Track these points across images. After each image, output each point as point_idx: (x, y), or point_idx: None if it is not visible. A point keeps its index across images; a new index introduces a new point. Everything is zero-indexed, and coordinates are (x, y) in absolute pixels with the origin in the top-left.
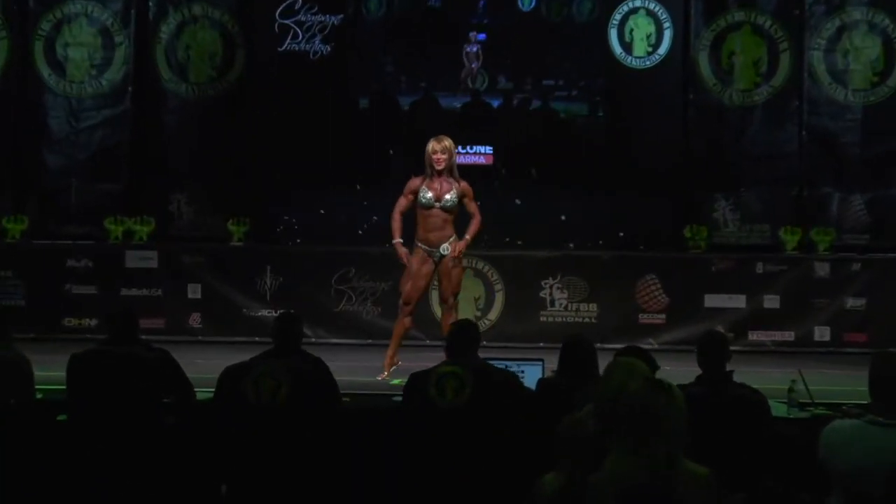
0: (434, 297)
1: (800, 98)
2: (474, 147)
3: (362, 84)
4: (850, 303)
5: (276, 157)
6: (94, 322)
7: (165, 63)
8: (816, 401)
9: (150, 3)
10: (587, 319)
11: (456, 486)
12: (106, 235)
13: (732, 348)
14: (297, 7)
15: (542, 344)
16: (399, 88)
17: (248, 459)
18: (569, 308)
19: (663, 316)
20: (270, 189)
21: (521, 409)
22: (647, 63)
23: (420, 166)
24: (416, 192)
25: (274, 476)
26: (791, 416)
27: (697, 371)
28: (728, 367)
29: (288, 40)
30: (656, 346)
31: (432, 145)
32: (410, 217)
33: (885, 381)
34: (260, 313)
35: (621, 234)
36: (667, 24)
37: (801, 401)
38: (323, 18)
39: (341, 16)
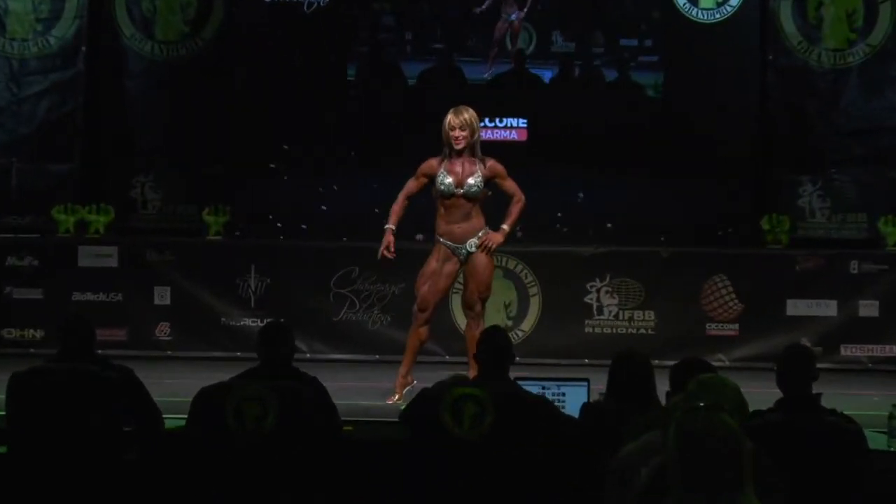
0: (456, 302)
1: None
2: (504, 119)
3: (361, 44)
4: None
5: (262, 132)
6: (39, 334)
7: (127, 16)
8: None
9: None
10: (642, 330)
11: None
12: (54, 227)
13: (820, 366)
14: None
15: (586, 361)
16: (404, 51)
17: (227, 501)
18: (620, 316)
19: (735, 326)
20: (256, 171)
21: (559, 441)
22: (717, 16)
23: (438, 144)
24: (430, 177)
25: None
26: (892, 450)
27: (777, 394)
28: (815, 390)
29: None
30: (727, 363)
31: (450, 119)
32: (427, 206)
33: None
34: (242, 322)
35: (682, 225)
36: None
37: None
38: None
39: None
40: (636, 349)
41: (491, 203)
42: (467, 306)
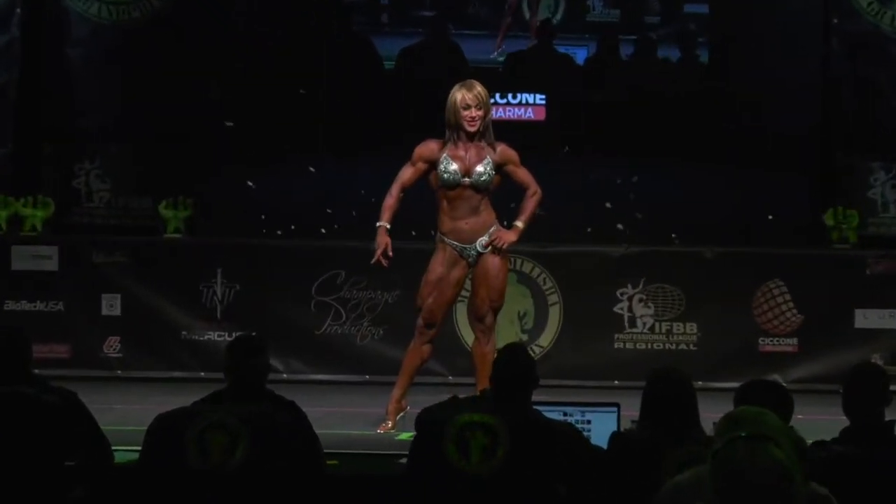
0: (462, 311)
1: None
2: (518, 95)
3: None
4: None
5: (230, 109)
6: None
7: None
8: None
9: None
10: (683, 346)
11: None
12: None
13: (895, 388)
14: None
15: (616, 382)
16: (378, 21)
17: None
18: (656, 329)
19: (794, 341)
20: (223, 157)
21: (586, 476)
22: None
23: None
24: (431, 162)
25: None
26: None
27: (843, 421)
28: (888, 416)
29: None
30: (784, 385)
31: (461, 96)
32: (425, 200)
33: None
34: (207, 337)
35: (730, 220)
36: None
37: None
38: None
39: None
40: (675, 368)
41: (500, 196)
42: (476, 317)
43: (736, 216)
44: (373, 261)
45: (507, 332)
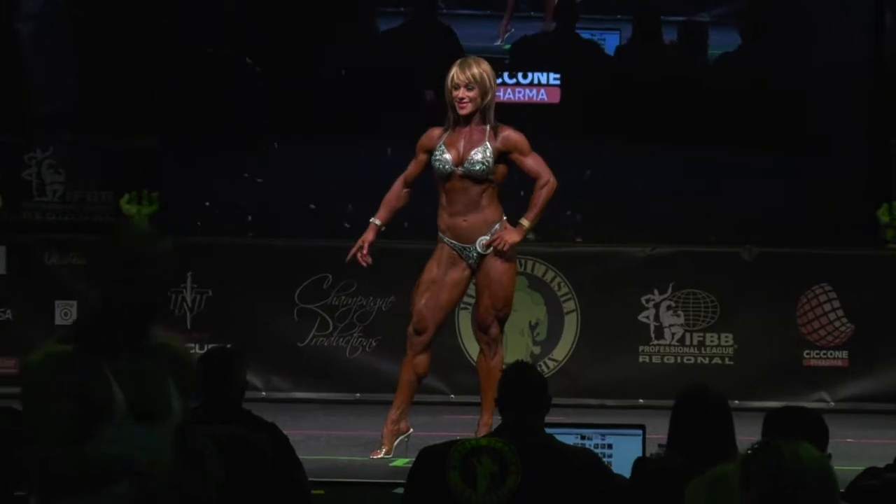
0: (466, 321)
1: None
2: (529, 75)
3: None
4: None
5: (202, 90)
6: None
7: None
8: None
9: None
10: (717, 360)
11: None
12: None
13: None
14: None
15: (641, 401)
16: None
17: None
18: (686, 341)
19: (844, 354)
20: (193, 145)
21: None
22: None
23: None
24: (431, 152)
25: None
26: None
27: None
28: None
29: None
30: (832, 405)
31: (454, 75)
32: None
33: None
34: None
35: (771, 217)
36: None
37: None
38: None
39: None
40: (708, 386)
41: (509, 188)
42: (480, 327)
43: (779, 212)
44: (347, 258)
45: (517, 344)
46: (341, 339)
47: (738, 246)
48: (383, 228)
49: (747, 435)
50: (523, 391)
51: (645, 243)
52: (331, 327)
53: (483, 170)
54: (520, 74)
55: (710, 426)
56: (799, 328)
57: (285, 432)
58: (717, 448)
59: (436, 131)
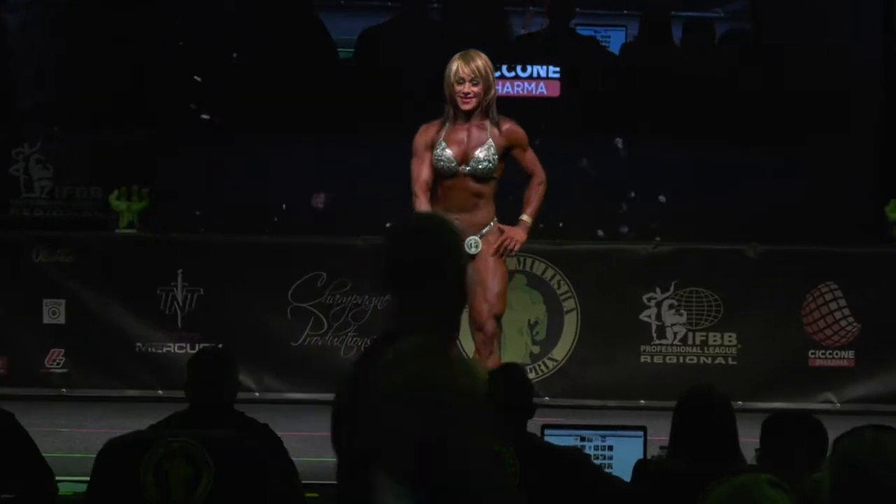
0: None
1: None
2: (529, 68)
3: None
4: None
5: (194, 84)
6: None
7: None
8: None
9: None
10: (720, 360)
11: None
12: None
13: None
14: None
15: (642, 402)
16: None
17: None
18: (689, 340)
19: (850, 354)
20: (185, 138)
21: None
22: None
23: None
24: (432, 148)
25: None
26: None
27: None
28: None
29: None
30: (838, 406)
31: (456, 67)
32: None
33: None
34: (166, 349)
35: (777, 213)
36: None
37: None
38: None
39: None
40: (711, 386)
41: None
42: (476, 326)
43: (784, 207)
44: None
45: (516, 343)
46: (336, 339)
47: (742, 243)
48: None
49: (750, 437)
50: (508, 396)
51: (647, 240)
52: (325, 326)
53: (489, 168)
54: (518, 68)
55: (714, 428)
56: (804, 327)
57: (278, 434)
58: (720, 450)
59: (431, 127)
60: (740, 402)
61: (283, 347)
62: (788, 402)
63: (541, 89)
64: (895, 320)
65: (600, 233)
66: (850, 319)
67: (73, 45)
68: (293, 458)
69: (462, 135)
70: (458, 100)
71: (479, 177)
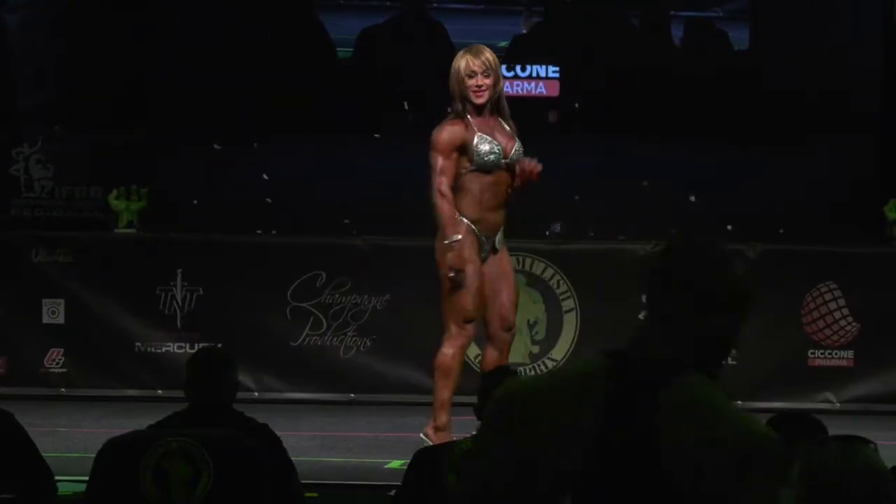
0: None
1: None
2: (528, 68)
3: None
4: None
5: (194, 82)
6: None
7: None
8: None
9: None
10: None
11: None
12: None
13: None
14: None
15: None
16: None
17: None
18: None
19: (849, 354)
20: (184, 139)
21: None
22: None
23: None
24: (462, 148)
25: None
26: None
27: None
28: None
29: None
30: (837, 406)
31: (466, 62)
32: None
33: None
34: (165, 349)
35: (776, 212)
36: None
37: None
38: None
39: None
40: None
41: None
42: (503, 326)
43: (784, 206)
44: (457, 277)
45: (516, 343)
46: (335, 339)
47: (741, 243)
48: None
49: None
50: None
51: (646, 240)
52: (324, 326)
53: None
54: (518, 67)
55: None
56: (804, 327)
57: (278, 434)
58: None
59: (456, 126)
60: (740, 402)
61: (282, 347)
62: (788, 402)
63: (540, 89)
64: (895, 320)
65: (597, 233)
66: (850, 319)
67: (73, 45)
68: (293, 458)
69: (493, 128)
70: (471, 94)
71: (514, 170)
